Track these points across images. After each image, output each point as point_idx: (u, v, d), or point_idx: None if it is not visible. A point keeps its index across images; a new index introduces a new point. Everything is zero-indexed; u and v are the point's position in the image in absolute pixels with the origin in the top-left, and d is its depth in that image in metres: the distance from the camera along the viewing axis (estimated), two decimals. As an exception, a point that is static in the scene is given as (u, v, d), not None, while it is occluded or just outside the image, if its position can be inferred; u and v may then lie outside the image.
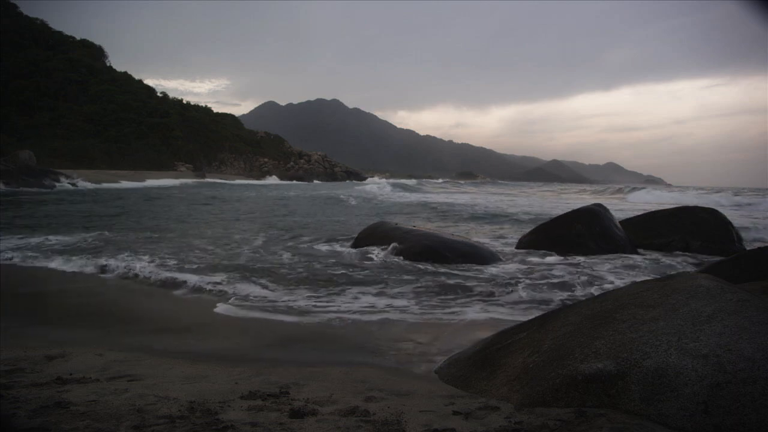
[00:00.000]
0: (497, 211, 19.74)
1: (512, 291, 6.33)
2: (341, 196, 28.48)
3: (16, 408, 2.35)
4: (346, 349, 4.03)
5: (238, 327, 4.68)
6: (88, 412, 2.32)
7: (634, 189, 44.88)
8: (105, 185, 36.00)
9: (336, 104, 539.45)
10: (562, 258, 8.49)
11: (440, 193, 42.68)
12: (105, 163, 56.62)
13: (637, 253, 9.12)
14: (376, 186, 46.69)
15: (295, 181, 72.54)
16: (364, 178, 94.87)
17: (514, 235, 11.55)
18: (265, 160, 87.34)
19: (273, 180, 73.35)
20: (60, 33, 77.04)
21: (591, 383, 2.46)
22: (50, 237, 9.68)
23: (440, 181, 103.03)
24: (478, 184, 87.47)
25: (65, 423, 2.19)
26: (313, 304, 5.47)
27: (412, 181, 76.62)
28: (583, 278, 7.18)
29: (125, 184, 39.92)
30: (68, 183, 32.56)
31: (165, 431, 2.17)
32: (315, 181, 76.53)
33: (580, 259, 8.45)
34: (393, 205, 23.17)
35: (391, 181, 70.13)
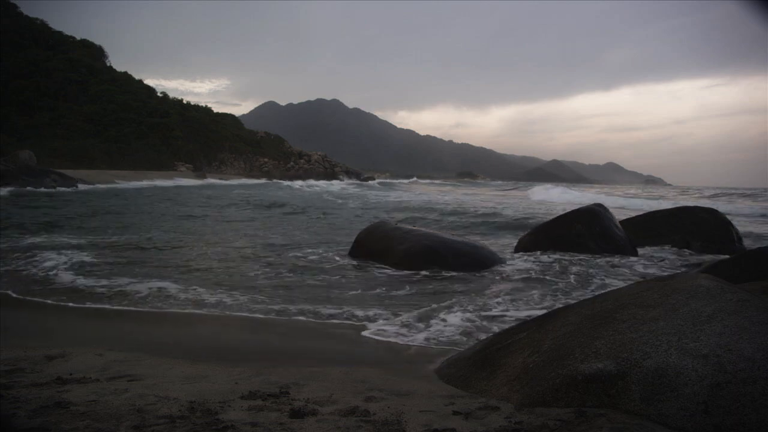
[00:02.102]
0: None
1: (515, 293, 6.34)
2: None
3: (16, 408, 2.35)
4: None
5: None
6: (88, 412, 2.32)
7: (536, 186, 46.21)
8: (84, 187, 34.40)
9: (336, 104, 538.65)
10: (561, 258, 8.49)
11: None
12: (105, 163, 56.57)
13: (637, 253, 9.12)
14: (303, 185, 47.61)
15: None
16: (366, 178, 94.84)
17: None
18: (265, 160, 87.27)
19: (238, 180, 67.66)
20: (60, 33, 76.96)
21: (591, 383, 2.46)
22: None
23: (407, 181, 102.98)
24: (459, 185, 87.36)
25: (65, 423, 2.19)
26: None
27: (374, 182, 75.62)
28: (583, 278, 7.19)
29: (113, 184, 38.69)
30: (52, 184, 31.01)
31: (165, 431, 2.17)
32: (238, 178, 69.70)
33: (581, 259, 8.45)
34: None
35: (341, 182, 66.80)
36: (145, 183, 41.60)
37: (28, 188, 25.90)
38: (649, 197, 36.47)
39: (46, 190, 27.22)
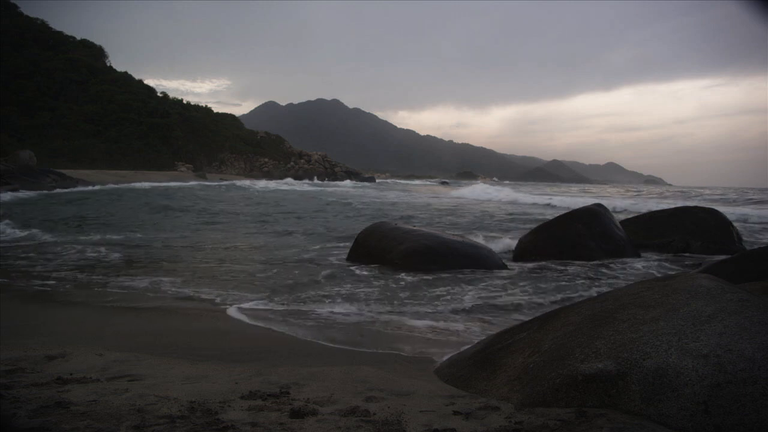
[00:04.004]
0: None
1: (514, 292, 6.34)
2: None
3: (16, 408, 2.35)
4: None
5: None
6: (89, 412, 2.32)
7: (462, 185, 48.22)
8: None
9: (336, 104, 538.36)
10: (561, 258, 8.49)
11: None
12: (105, 163, 56.56)
13: (638, 254, 9.13)
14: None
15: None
16: (366, 179, 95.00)
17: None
18: (265, 160, 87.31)
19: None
20: (60, 33, 76.96)
21: (591, 383, 2.46)
22: None
23: (382, 180, 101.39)
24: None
25: (65, 423, 2.19)
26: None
27: (350, 183, 72.98)
28: (582, 279, 7.19)
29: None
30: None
31: (165, 431, 2.17)
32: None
33: (580, 259, 8.45)
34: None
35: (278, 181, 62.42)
36: (147, 184, 41.20)
37: (21, 192, 25.43)
38: (591, 195, 38.04)
39: (46, 192, 27.11)
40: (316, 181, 70.87)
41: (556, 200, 28.11)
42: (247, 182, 52.22)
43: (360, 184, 70.43)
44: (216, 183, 50.13)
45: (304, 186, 49.42)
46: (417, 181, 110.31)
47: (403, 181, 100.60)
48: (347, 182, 71.94)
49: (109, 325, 4.65)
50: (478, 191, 38.14)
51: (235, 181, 53.62)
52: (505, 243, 10.18)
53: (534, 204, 26.82)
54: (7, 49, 62.40)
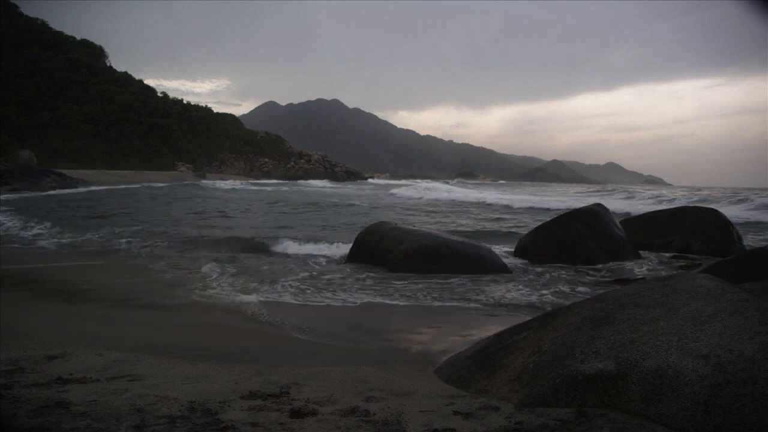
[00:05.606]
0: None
1: (514, 292, 6.33)
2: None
3: (16, 408, 2.35)
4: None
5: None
6: (89, 412, 2.32)
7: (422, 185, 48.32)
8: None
9: (336, 104, 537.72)
10: (561, 259, 8.48)
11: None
12: (105, 163, 56.55)
13: (638, 254, 9.12)
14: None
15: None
16: (365, 178, 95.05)
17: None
18: (265, 160, 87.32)
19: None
20: (60, 33, 76.97)
21: (591, 383, 2.46)
22: None
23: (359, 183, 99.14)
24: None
25: (65, 423, 2.19)
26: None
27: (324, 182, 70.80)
28: (583, 278, 7.19)
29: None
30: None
31: (165, 431, 2.17)
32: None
33: (580, 258, 8.44)
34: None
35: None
36: (160, 184, 40.73)
37: (23, 193, 25.21)
38: (551, 194, 38.25)
39: (47, 193, 26.95)
40: (300, 181, 71.07)
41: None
42: (228, 183, 51.69)
43: (332, 183, 69.87)
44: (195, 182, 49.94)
45: (304, 187, 49.44)
46: (404, 181, 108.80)
47: (394, 182, 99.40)
48: (321, 182, 71.83)
49: (110, 325, 4.65)
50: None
51: (220, 182, 53.29)
52: (503, 243, 10.18)
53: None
54: (7, 49, 62.36)
